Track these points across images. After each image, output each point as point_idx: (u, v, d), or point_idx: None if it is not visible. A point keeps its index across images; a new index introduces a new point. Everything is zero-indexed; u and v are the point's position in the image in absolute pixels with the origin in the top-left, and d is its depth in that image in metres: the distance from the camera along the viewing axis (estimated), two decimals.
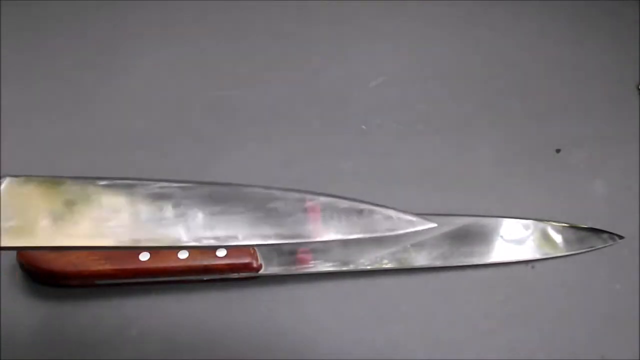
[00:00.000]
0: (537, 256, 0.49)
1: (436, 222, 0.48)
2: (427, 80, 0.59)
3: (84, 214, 0.32)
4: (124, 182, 0.34)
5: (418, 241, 0.48)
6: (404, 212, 0.37)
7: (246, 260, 0.45)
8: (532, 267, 0.49)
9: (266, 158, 0.53)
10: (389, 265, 0.47)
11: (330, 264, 0.47)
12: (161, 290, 0.46)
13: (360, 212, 0.36)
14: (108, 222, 0.32)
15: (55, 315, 0.45)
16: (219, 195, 0.34)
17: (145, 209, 0.33)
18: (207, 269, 0.45)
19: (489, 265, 0.48)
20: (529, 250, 0.49)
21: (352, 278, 0.47)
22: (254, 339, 0.45)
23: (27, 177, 0.33)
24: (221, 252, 0.45)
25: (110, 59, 0.58)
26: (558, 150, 0.55)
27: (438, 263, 0.48)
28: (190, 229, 0.33)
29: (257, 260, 0.46)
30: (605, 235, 0.50)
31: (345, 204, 0.36)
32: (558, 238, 0.50)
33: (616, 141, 0.56)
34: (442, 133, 0.56)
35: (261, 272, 0.46)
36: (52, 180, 0.33)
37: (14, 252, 0.45)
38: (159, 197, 0.34)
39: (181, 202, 0.34)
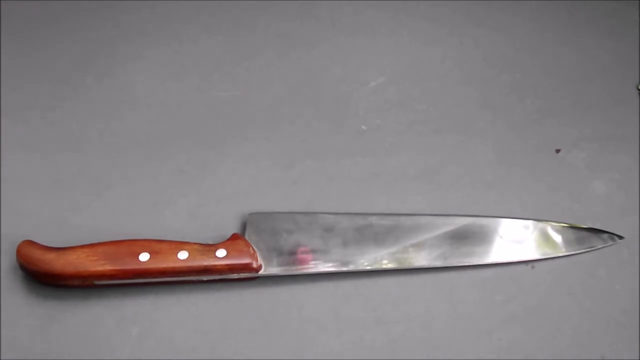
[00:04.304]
0: (537, 256, 0.49)
1: (436, 222, 0.49)
2: (427, 80, 0.59)
3: None
4: None
5: (418, 241, 0.48)
6: None
7: (246, 260, 0.45)
8: (532, 267, 0.49)
9: (266, 158, 0.53)
10: (389, 266, 0.47)
11: (330, 264, 0.47)
12: (161, 290, 0.46)
13: None
14: None
15: (55, 315, 0.45)
16: None
17: None
18: (206, 270, 0.45)
19: (489, 265, 0.48)
20: (528, 250, 0.49)
21: (352, 278, 0.47)
22: (254, 339, 0.45)
23: None
24: (221, 253, 0.45)
25: (109, 59, 0.58)
26: (558, 150, 0.55)
27: (438, 263, 0.48)
28: None
29: (256, 260, 0.46)
30: (605, 235, 0.50)
31: None
32: (558, 238, 0.50)
33: (616, 141, 0.56)
34: (442, 133, 0.56)
35: (261, 272, 0.46)
36: None
37: (14, 253, 0.45)
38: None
39: None
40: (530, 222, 0.50)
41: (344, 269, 0.47)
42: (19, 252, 0.44)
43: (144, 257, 0.44)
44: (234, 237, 0.46)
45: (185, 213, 0.50)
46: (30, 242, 0.45)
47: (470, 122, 0.57)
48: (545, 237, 0.50)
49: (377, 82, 0.59)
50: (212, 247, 0.45)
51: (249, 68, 0.59)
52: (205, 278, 0.46)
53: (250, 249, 0.46)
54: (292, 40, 0.61)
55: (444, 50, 0.61)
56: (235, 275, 0.46)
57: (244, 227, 0.48)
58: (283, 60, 0.60)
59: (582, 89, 0.59)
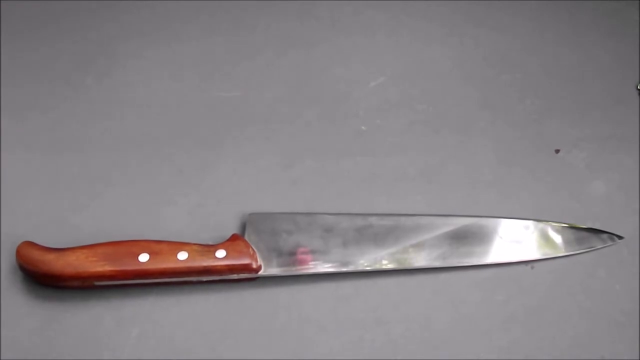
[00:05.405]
0: (537, 256, 0.49)
1: (436, 223, 0.49)
2: (427, 80, 0.59)
3: None
4: None
5: (418, 241, 0.48)
6: None
7: (246, 261, 0.45)
8: (532, 267, 0.49)
9: (266, 158, 0.53)
10: (388, 266, 0.47)
11: (330, 264, 0.47)
12: (161, 291, 0.46)
13: None
14: None
15: (55, 316, 0.45)
16: None
17: None
18: (206, 270, 0.45)
19: (488, 266, 0.48)
20: (528, 251, 0.49)
21: (352, 279, 0.47)
22: (254, 339, 0.45)
23: None
24: (221, 253, 0.45)
25: (109, 59, 0.58)
26: (558, 151, 0.55)
27: (438, 263, 0.48)
28: None
29: (256, 261, 0.46)
30: (605, 236, 0.50)
31: None
32: (558, 238, 0.50)
33: (616, 141, 0.56)
34: (442, 133, 0.56)
35: (261, 273, 0.46)
36: None
37: (14, 253, 0.45)
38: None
39: None
40: (530, 223, 0.50)
41: (344, 269, 0.47)
42: (18, 253, 0.44)
43: (144, 257, 0.44)
44: (234, 238, 0.46)
45: (185, 213, 0.50)
46: (30, 243, 0.45)
47: (470, 122, 0.57)
48: (545, 238, 0.50)
49: (377, 82, 0.59)
50: (211, 248, 0.45)
51: (249, 68, 0.59)
52: (205, 279, 0.46)
53: (250, 249, 0.46)
54: (292, 40, 0.61)
55: (444, 50, 0.61)
56: (235, 276, 0.46)
57: (243, 227, 0.48)
58: (283, 60, 0.59)
59: (582, 89, 0.59)
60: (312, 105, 0.57)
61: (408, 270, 0.48)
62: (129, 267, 0.44)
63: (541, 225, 0.50)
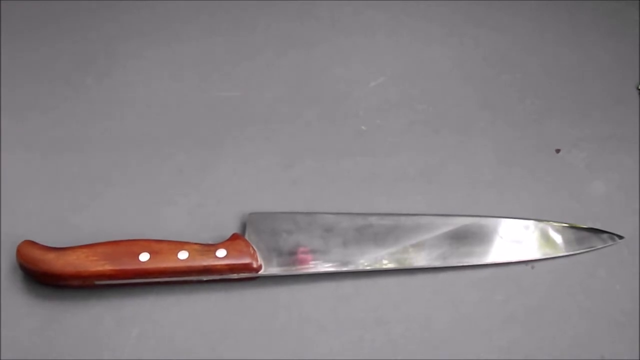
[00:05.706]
0: (537, 256, 0.49)
1: (436, 222, 0.49)
2: (427, 80, 0.59)
3: None
4: None
5: (418, 241, 0.48)
6: None
7: (246, 260, 0.45)
8: (532, 267, 0.49)
9: (266, 158, 0.53)
10: (389, 266, 0.47)
11: (330, 264, 0.47)
12: (161, 290, 0.46)
13: None
14: None
15: (55, 316, 0.45)
16: None
17: None
18: (207, 270, 0.45)
19: (488, 266, 0.48)
20: (528, 250, 0.49)
21: (352, 278, 0.47)
22: (254, 339, 0.45)
23: None
24: (221, 253, 0.45)
25: (109, 59, 0.58)
26: (558, 150, 0.55)
27: (438, 263, 0.48)
28: None
29: (257, 260, 0.46)
30: (605, 235, 0.50)
31: None
32: (558, 238, 0.50)
33: (616, 141, 0.56)
34: (442, 133, 0.56)
35: (261, 272, 0.46)
36: None
37: (14, 253, 0.45)
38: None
39: None
40: (530, 222, 0.50)
41: (344, 269, 0.47)
42: (19, 252, 0.44)
43: (144, 257, 0.44)
44: (234, 237, 0.46)
45: (185, 213, 0.50)
46: (30, 242, 0.45)
47: (470, 122, 0.57)
48: (545, 237, 0.50)
49: (377, 82, 0.59)
50: (212, 247, 0.45)
51: (249, 68, 0.59)
52: (205, 278, 0.46)
53: (250, 249, 0.46)
54: (292, 40, 0.61)
55: (444, 50, 0.61)
56: (235, 275, 0.46)
57: (244, 227, 0.48)
58: (283, 60, 0.60)
59: (582, 89, 0.59)
60: (312, 105, 0.57)
61: (408, 270, 0.48)
62: (129, 266, 0.44)
63: (541, 225, 0.50)
